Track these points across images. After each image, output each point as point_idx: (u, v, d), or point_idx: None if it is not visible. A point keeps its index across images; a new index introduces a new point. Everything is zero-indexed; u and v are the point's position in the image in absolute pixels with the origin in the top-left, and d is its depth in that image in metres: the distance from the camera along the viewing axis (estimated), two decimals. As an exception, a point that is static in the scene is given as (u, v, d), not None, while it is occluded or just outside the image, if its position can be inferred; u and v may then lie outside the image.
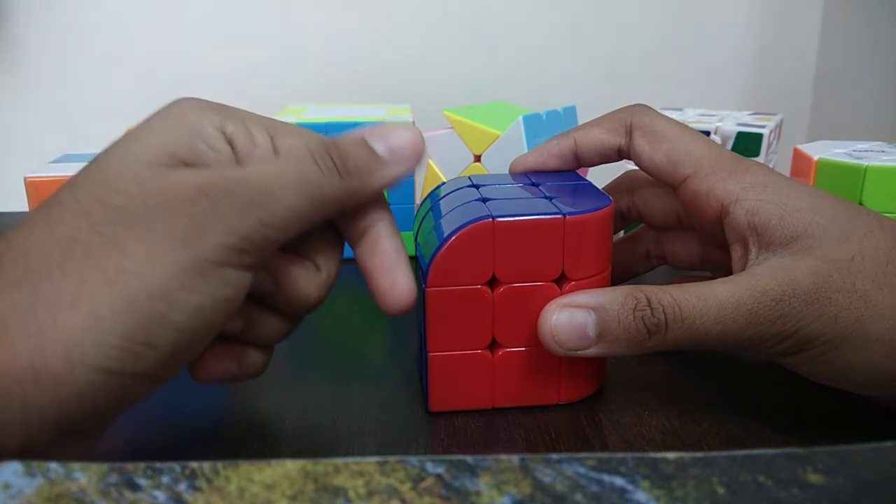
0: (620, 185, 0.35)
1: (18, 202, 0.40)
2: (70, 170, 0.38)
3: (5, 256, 0.20)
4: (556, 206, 0.28)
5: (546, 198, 0.29)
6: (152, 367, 0.21)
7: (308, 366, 0.34)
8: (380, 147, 0.25)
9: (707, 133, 0.46)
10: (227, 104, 0.25)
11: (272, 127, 0.25)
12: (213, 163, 0.23)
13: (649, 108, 0.31)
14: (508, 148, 0.42)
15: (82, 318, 0.19)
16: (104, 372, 0.19)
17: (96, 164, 0.22)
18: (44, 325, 0.19)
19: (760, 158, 0.45)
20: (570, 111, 0.47)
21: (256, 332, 0.26)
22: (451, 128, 0.44)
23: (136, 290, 0.20)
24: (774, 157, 0.49)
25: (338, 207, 0.25)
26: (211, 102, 0.24)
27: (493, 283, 0.28)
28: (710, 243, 0.33)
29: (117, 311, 0.20)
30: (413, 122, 0.46)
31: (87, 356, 0.19)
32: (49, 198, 0.22)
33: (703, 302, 0.26)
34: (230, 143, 0.24)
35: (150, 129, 0.23)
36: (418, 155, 0.26)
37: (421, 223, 0.31)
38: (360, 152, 0.25)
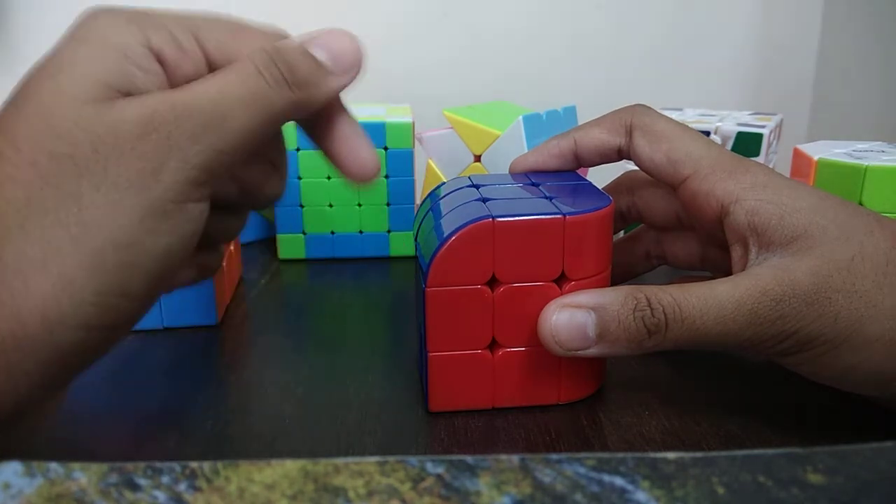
0: (620, 185, 0.35)
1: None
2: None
3: None
4: (556, 206, 0.28)
5: (546, 198, 0.29)
6: (130, 314, 0.21)
7: (308, 366, 0.34)
8: (322, 56, 0.24)
9: (707, 133, 0.46)
10: (142, 8, 0.23)
11: (196, 27, 0.23)
12: (149, 85, 0.22)
13: (649, 108, 0.32)
14: (508, 148, 0.42)
15: (54, 279, 0.19)
16: (84, 329, 0.19)
17: (30, 107, 0.21)
18: (16, 292, 0.19)
19: (760, 158, 0.45)
20: (570, 111, 0.47)
21: (214, 237, 0.26)
22: (451, 128, 0.44)
23: (102, 243, 0.20)
24: (774, 157, 0.49)
25: (288, 119, 0.24)
26: (126, 12, 0.23)
27: (493, 283, 0.28)
28: (710, 243, 0.33)
29: (87, 268, 0.19)
30: (413, 123, 0.46)
31: (65, 316, 0.19)
32: None
33: (703, 302, 0.26)
34: (159, 58, 0.22)
35: (74, 58, 0.21)
36: (359, 63, 0.25)
37: (421, 223, 0.31)
38: (306, 62, 0.24)
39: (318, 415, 0.29)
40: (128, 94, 0.21)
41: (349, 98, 0.27)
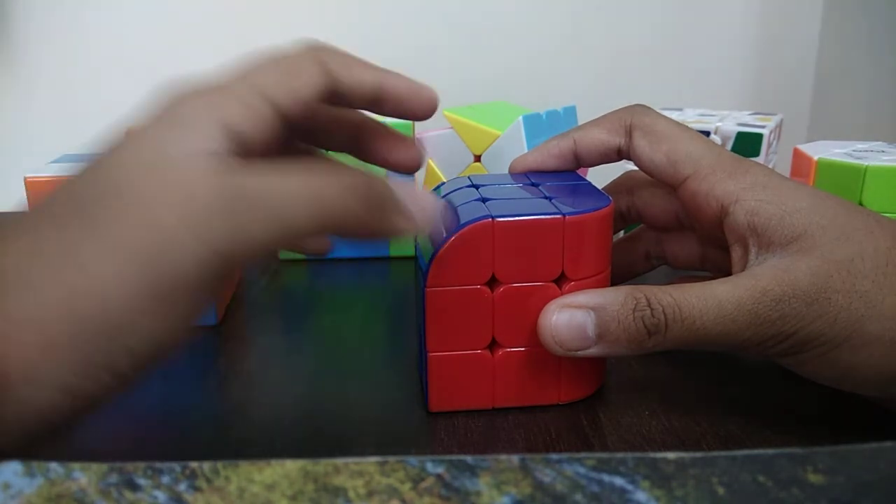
0: (620, 185, 0.35)
1: (18, 202, 0.40)
2: (70, 170, 0.38)
3: None
4: (556, 206, 0.28)
5: (546, 198, 0.29)
6: (115, 387, 0.19)
7: (308, 366, 0.34)
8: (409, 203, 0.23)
9: (707, 133, 0.46)
10: (212, 81, 0.24)
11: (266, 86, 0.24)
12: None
13: (649, 108, 0.32)
14: (508, 148, 0.42)
15: (38, 338, 0.18)
16: (64, 393, 0.19)
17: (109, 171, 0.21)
18: (3, 342, 0.18)
19: (760, 158, 0.45)
20: (570, 111, 0.47)
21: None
22: (451, 128, 0.44)
23: (92, 313, 0.18)
24: (774, 157, 0.49)
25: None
26: (204, 93, 0.23)
27: (492, 283, 0.28)
28: (710, 243, 0.33)
29: (71, 335, 0.18)
30: (413, 123, 0.46)
31: (45, 379, 0.18)
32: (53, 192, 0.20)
33: (703, 302, 0.26)
34: (237, 136, 0.22)
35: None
36: (432, 222, 0.24)
37: (421, 223, 0.31)
38: (390, 196, 0.23)
39: (318, 415, 0.29)
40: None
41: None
